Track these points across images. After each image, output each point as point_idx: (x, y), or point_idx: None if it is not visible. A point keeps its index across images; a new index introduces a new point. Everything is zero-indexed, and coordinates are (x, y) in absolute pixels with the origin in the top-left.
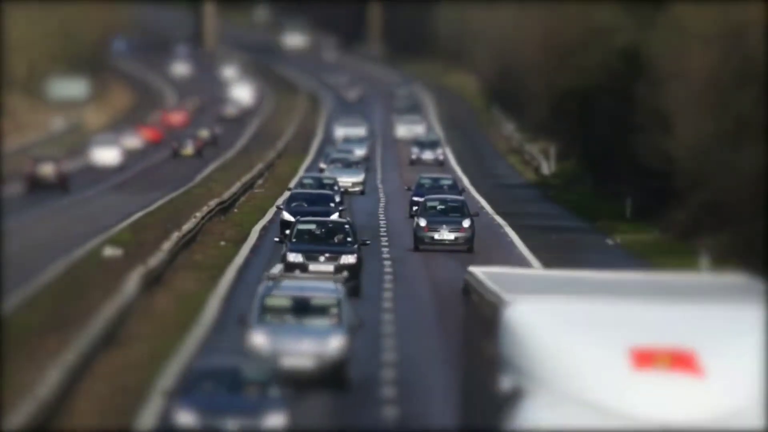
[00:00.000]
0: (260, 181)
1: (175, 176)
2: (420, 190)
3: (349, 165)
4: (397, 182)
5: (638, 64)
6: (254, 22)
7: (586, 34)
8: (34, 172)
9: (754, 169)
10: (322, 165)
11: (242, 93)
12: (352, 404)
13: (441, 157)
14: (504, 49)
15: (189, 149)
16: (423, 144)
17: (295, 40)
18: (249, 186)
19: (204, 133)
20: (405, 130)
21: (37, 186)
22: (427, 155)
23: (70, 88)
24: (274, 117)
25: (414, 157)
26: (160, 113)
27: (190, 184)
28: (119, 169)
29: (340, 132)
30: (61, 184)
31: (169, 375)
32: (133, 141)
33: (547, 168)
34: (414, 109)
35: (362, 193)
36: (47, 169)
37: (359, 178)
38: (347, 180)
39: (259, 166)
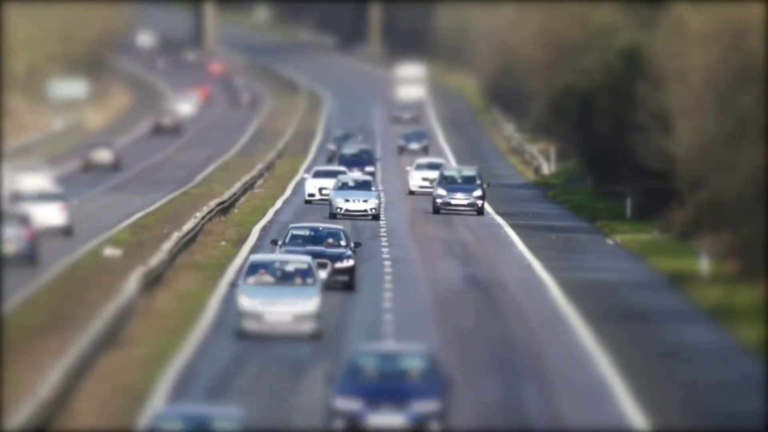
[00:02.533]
0: (260, 182)
1: (176, 176)
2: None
3: (288, 277)
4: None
5: (638, 64)
6: (255, 22)
7: (586, 34)
8: (159, 122)
9: (754, 169)
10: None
11: (144, 38)
12: None
13: (480, 202)
14: (504, 49)
15: (246, 99)
16: (453, 181)
17: (413, 91)
18: (249, 186)
19: (242, 83)
20: (420, 179)
21: (160, 131)
22: (459, 198)
23: (70, 88)
24: (274, 117)
25: (440, 201)
26: (204, 63)
27: (190, 184)
28: (195, 119)
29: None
30: (176, 130)
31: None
32: (196, 97)
33: (547, 168)
34: (428, 149)
35: (315, 337)
36: (167, 119)
37: (307, 304)
38: (285, 309)
39: (259, 166)
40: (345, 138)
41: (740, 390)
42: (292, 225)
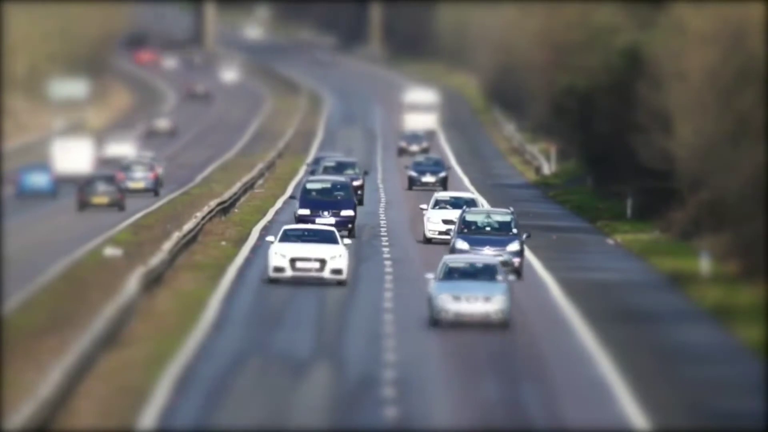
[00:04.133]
0: (261, 181)
1: (176, 175)
2: None
3: None
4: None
5: (638, 64)
6: (255, 22)
7: (587, 34)
8: (192, 90)
9: (754, 169)
10: None
11: None
12: (352, 404)
13: (517, 260)
14: (504, 49)
15: (198, 60)
16: (479, 230)
17: (423, 120)
18: (249, 186)
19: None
20: (440, 221)
21: (193, 98)
22: (488, 254)
23: (70, 88)
24: (275, 117)
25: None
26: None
27: (191, 184)
28: (238, 85)
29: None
30: (207, 97)
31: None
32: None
33: (547, 168)
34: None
35: None
36: (199, 88)
37: None
38: None
39: (260, 166)
40: (338, 170)
41: (740, 390)
42: None
